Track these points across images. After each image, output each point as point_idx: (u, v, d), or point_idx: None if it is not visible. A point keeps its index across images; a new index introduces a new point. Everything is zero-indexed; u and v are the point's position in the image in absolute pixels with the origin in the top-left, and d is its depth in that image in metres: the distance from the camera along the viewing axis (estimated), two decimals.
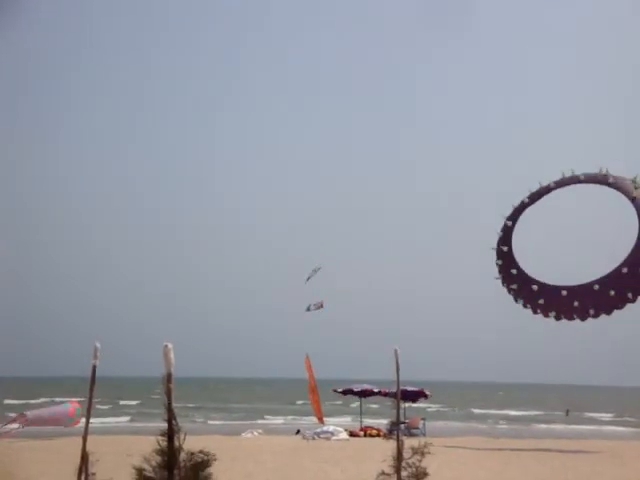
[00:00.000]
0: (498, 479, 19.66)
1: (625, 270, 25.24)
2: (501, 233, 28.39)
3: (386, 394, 39.36)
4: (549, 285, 26.72)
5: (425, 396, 41.47)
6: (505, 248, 27.97)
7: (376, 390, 40.87)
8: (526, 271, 27.54)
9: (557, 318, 26.80)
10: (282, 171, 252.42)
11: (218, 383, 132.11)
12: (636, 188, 25.89)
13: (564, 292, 26.00)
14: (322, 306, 40.56)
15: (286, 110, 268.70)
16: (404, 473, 12.43)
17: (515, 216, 28.41)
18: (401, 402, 35.03)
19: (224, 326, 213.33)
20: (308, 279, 39.90)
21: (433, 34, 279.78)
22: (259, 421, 52.37)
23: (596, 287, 25.46)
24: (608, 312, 25.97)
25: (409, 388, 38.68)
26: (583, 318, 26.29)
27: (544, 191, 28.26)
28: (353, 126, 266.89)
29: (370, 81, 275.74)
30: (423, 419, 40.33)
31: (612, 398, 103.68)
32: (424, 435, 35.83)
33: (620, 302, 25.58)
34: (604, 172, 27.08)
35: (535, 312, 27.25)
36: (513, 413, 70.29)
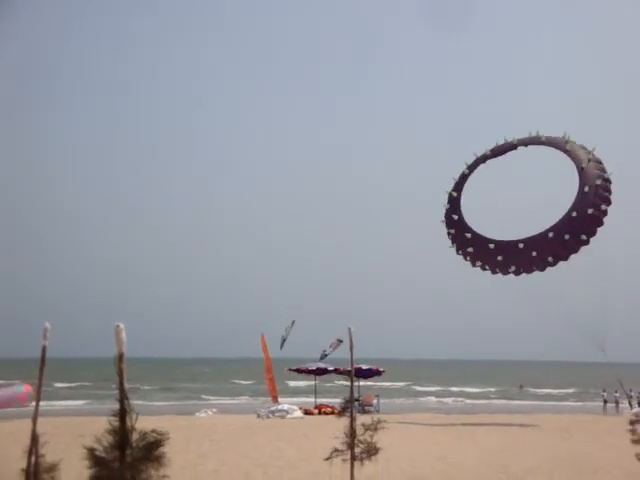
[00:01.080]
0: (450, 453, 20.00)
1: (575, 214, 26.09)
2: (448, 205, 28.98)
3: (340, 372, 39.66)
4: (505, 241, 27.25)
5: (379, 374, 41.90)
6: (455, 216, 28.58)
7: (330, 368, 41.13)
8: (481, 233, 28.08)
9: (517, 273, 27.33)
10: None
11: (170, 363, 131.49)
12: (589, 160, 26.92)
13: (521, 245, 26.63)
14: (338, 344, 40.46)
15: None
16: (357, 449, 12.55)
17: (458, 187, 29.06)
18: (355, 380, 35.42)
19: (174, 306, 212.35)
20: (284, 341, 39.87)
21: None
22: (213, 400, 52.31)
23: (551, 235, 26.20)
24: (565, 258, 26.76)
25: (363, 366, 39.04)
26: (543, 268, 26.93)
27: (481, 160, 28.99)
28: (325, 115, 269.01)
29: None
30: (377, 396, 40.78)
31: (568, 373, 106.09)
32: (378, 412, 36.24)
33: (574, 245, 26.39)
34: (536, 134, 28.38)
35: (494, 271, 27.73)
36: (466, 389, 71.48)
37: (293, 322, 39.82)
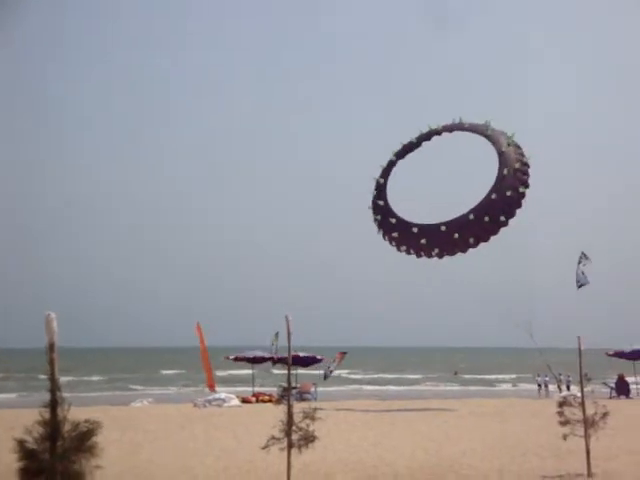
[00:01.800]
0: (386, 439, 20.25)
1: (494, 196, 26.83)
2: (375, 191, 29.44)
3: (278, 360, 39.69)
4: (428, 225, 27.85)
5: (317, 361, 42.07)
6: (381, 202, 29.04)
7: (268, 356, 41.10)
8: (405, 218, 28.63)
9: (440, 255, 27.99)
10: None
11: (106, 353, 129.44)
12: (509, 145, 27.53)
13: (443, 227, 27.28)
14: (342, 358, 39.98)
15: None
16: (294, 437, 12.59)
17: (385, 173, 29.58)
18: (293, 368, 35.43)
19: (108, 297, 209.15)
20: (275, 361, 39.44)
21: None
22: (148, 390, 51.73)
23: (471, 217, 26.89)
24: (486, 239, 27.54)
25: (301, 354, 39.14)
26: (464, 250, 27.66)
27: (407, 148, 29.55)
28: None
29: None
30: (314, 384, 40.96)
31: (503, 359, 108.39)
32: (315, 400, 36.43)
33: (494, 227, 27.18)
34: (459, 120, 29.10)
35: (419, 255, 28.32)
36: (402, 376, 72.39)
37: (277, 334, 39.34)
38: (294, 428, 12.69)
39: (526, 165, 27.57)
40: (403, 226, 28.21)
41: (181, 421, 26.34)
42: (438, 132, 29.12)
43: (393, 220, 28.44)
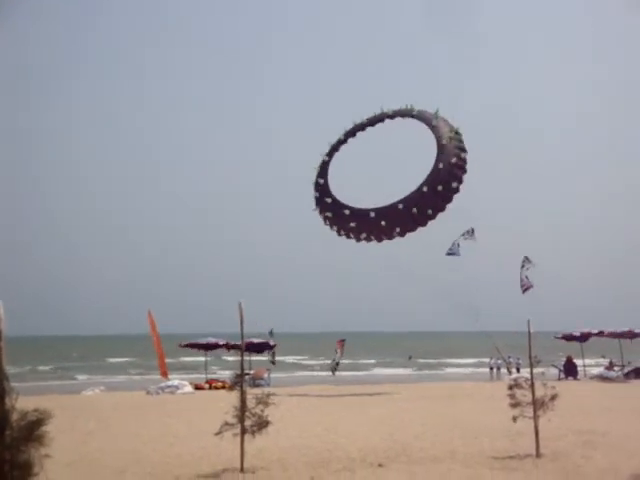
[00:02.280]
0: (339, 424, 20.36)
1: (425, 189, 27.10)
2: (319, 168, 29.61)
3: (231, 347, 39.58)
4: (359, 209, 28.11)
5: (270, 347, 42.09)
6: (321, 180, 29.26)
7: (221, 343, 40.97)
8: (341, 200, 28.85)
9: (367, 239, 28.36)
10: None
11: (52, 341, 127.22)
12: (436, 118, 28.00)
13: (372, 214, 27.54)
14: (342, 346, 39.41)
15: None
16: (247, 422, 12.59)
17: (331, 152, 29.90)
18: (247, 354, 35.41)
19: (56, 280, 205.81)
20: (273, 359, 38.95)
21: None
22: (100, 378, 51.15)
23: (400, 206, 27.20)
24: (412, 230, 27.89)
25: (255, 340, 39.09)
26: (390, 237, 28.02)
27: (358, 128, 29.96)
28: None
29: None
30: (268, 370, 40.96)
31: (456, 343, 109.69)
32: (269, 385, 36.43)
33: (421, 219, 27.51)
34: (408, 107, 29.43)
35: (348, 236, 28.67)
36: (355, 361, 72.83)
37: (271, 331, 38.98)
38: (247, 414, 12.68)
39: (464, 161, 27.80)
40: (337, 207, 28.47)
41: (134, 409, 26.10)
42: (390, 116, 29.25)
43: (329, 200, 28.73)
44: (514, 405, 14.22)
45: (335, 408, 25.20)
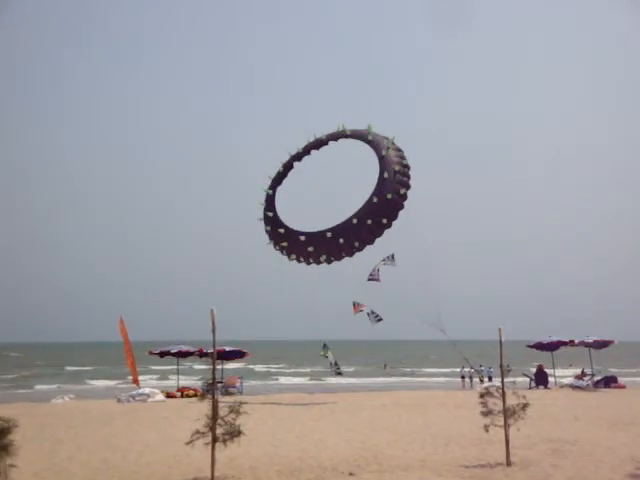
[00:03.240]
0: (311, 432, 20.32)
1: (375, 200, 27.36)
2: (265, 203, 29.71)
3: (203, 354, 39.34)
4: (315, 232, 28.25)
5: (243, 355, 41.89)
6: (270, 214, 29.34)
7: (192, 350, 40.69)
8: (293, 227, 28.94)
9: (328, 261, 28.43)
10: None
11: (15, 348, 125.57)
12: (389, 148, 28.28)
13: (329, 234, 27.68)
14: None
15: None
16: (219, 430, 12.51)
17: (274, 185, 29.97)
18: (219, 362, 35.19)
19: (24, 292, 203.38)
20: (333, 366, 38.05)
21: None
22: (69, 386, 50.53)
23: (354, 221, 27.32)
24: (370, 241, 28.07)
25: (227, 348, 38.89)
26: (351, 254, 28.19)
27: (295, 158, 30.06)
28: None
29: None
30: (240, 378, 40.76)
31: (429, 351, 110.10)
32: (241, 394, 36.27)
33: (377, 229, 27.72)
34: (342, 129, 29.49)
35: (308, 262, 28.65)
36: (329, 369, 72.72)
37: (325, 345, 38.05)
38: (219, 422, 12.60)
39: (406, 167, 28.07)
40: (291, 235, 28.58)
41: (104, 417, 25.82)
42: (324, 141, 29.50)
43: (282, 230, 28.79)
44: (485, 414, 14.29)
45: (307, 417, 25.14)
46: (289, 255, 28.70)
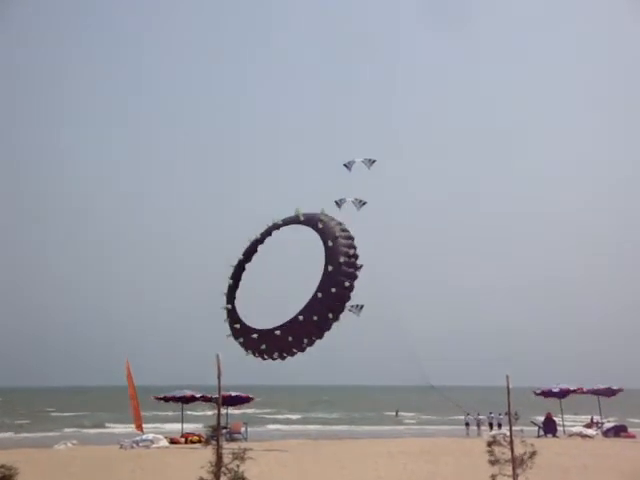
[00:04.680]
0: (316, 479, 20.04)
1: (320, 295, 27.31)
2: (226, 294, 29.82)
3: (208, 399, 39.00)
4: (266, 330, 28.21)
5: (248, 401, 41.52)
6: (229, 306, 29.50)
7: (198, 396, 40.35)
8: (253, 321, 28.97)
9: (281, 357, 28.47)
10: None
11: (20, 393, 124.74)
12: (321, 220, 28.36)
13: (277, 332, 27.65)
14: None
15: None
16: (223, 478, 12.33)
17: (234, 276, 30.05)
18: (223, 407, 34.83)
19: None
20: None
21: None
22: (72, 430, 50.00)
23: (301, 318, 27.35)
24: (319, 336, 28.02)
25: (233, 393, 38.58)
26: (302, 349, 28.15)
27: (255, 243, 30.08)
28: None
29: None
30: (245, 424, 40.34)
31: (431, 398, 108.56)
32: (246, 440, 35.88)
33: (325, 324, 27.56)
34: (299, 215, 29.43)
35: (263, 358, 28.67)
36: (331, 415, 71.99)
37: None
38: (223, 470, 12.43)
39: (353, 257, 27.86)
40: (245, 332, 28.66)
41: (107, 463, 25.53)
42: (277, 227, 29.64)
43: (237, 326, 28.84)
44: (493, 462, 14.06)
45: (312, 464, 24.79)
46: (246, 350, 28.65)
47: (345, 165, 30.26)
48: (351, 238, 28.07)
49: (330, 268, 27.12)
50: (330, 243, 27.52)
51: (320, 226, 28.23)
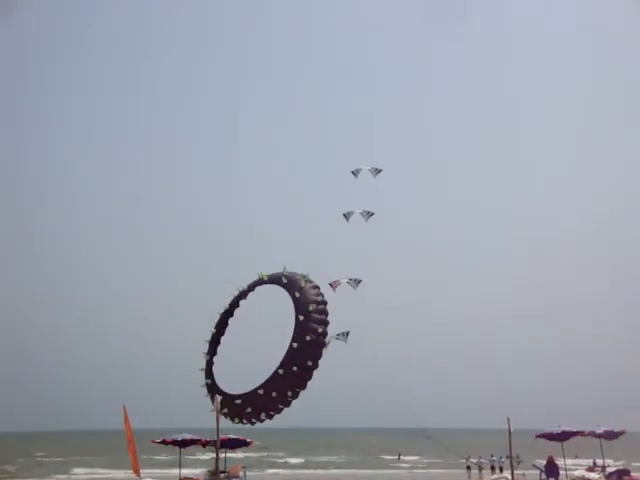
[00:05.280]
0: None
1: (296, 345, 27.36)
2: (205, 367, 30.10)
3: (206, 443, 38.56)
4: (247, 393, 28.06)
5: (247, 444, 41.05)
6: (209, 381, 29.66)
7: (196, 439, 39.92)
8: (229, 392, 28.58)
9: (269, 417, 28.36)
10: None
11: (13, 438, 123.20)
12: (302, 288, 28.31)
13: (260, 391, 27.66)
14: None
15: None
16: None
17: (211, 350, 30.14)
18: (221, 451, 34.37)
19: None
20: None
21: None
22: (65, 477, 49.36)
23: (281, 371, 27.36)
24: (302, 387, 27.94)
25: (231, 436, 38.19)
26: (288, 404, 28.02)
27: (225, 315, 30.26)
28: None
29: None
30: (244, 467, 39.84)
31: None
32: None
33: (306, 373, 27.55)
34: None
35: (252, 423, 28.69)
36: (331, 459, 71.25)
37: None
38: None
39: (322, 303, 28.19)
40: (229, 401, 28.74)
41: None
42: (245, 292, 29.86)
43: (219, 397, 28.85)
44: None
45: None
46: (232, 420, 28.62)
47: (345, 216, 31.15)
48: (317, 286, 28.58)
49: (301, 318, 27.53)
50: (297, 294, 27.97)
51: (285, 281, 28.70)
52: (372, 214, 30.80)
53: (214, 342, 30.21)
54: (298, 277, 28.85)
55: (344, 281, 30.19)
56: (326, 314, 28.10)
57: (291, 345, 27.39)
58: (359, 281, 29.96)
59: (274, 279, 29.34)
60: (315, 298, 28.07)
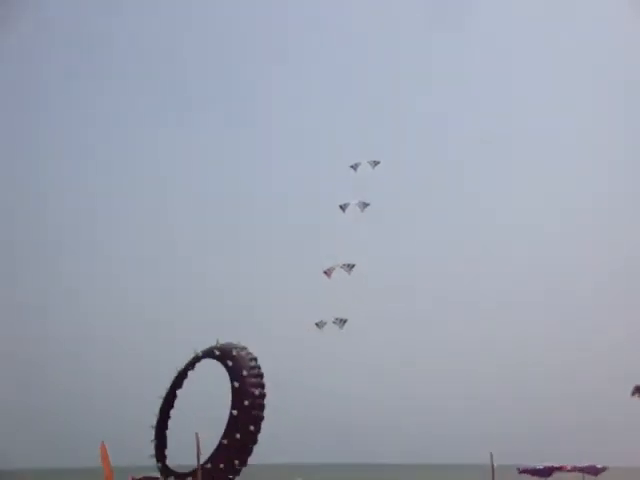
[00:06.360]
0: None
1: (235, 412, 28.01)
2: (155, 451, 30.60)
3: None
4: (212, 454, 28.14)
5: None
6: (160, 464, 30.34)
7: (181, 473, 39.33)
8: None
9: (236, 473, 28.93)
10: None
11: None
12: (250, 371, 28.90)
13: (209, 465, 27.79)
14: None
15: None
16: None
17: (159, 433, 30.62)
18: None
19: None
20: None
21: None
22: None
23: (225, 441, 27.91)
24: (248, 452, 28.75)
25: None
26: (237, 472, 28.86)
27: (170, 398, 30.66)
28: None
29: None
30: None
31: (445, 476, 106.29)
32: None
33: (249, 439, 28.37)
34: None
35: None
36: None
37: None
38: None
39: (261, 396, 28.73)
40: (172, 474, 29.47)
41: None
42: (198, 359, 30.12)
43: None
44: None
45: None
46: None
47: (341, 207, 31.71)
48: (260, 375, 29.26)
49: (235, 412, 27.95)
50: (236, 384, 28.38)
51: (230, 364, 28.79)
52: (367, 205, 31.10)
53: (161, 426, 30.38)
54: (230, 347, 29.25)
55: (338, 267, 30.22)
56: (261, 377, 28.78)
57: (231, 413, 27.87)
58: (352, 266, 29.98)
59: (207, 353, 29.65)
60: (253, 390, 28.41)
